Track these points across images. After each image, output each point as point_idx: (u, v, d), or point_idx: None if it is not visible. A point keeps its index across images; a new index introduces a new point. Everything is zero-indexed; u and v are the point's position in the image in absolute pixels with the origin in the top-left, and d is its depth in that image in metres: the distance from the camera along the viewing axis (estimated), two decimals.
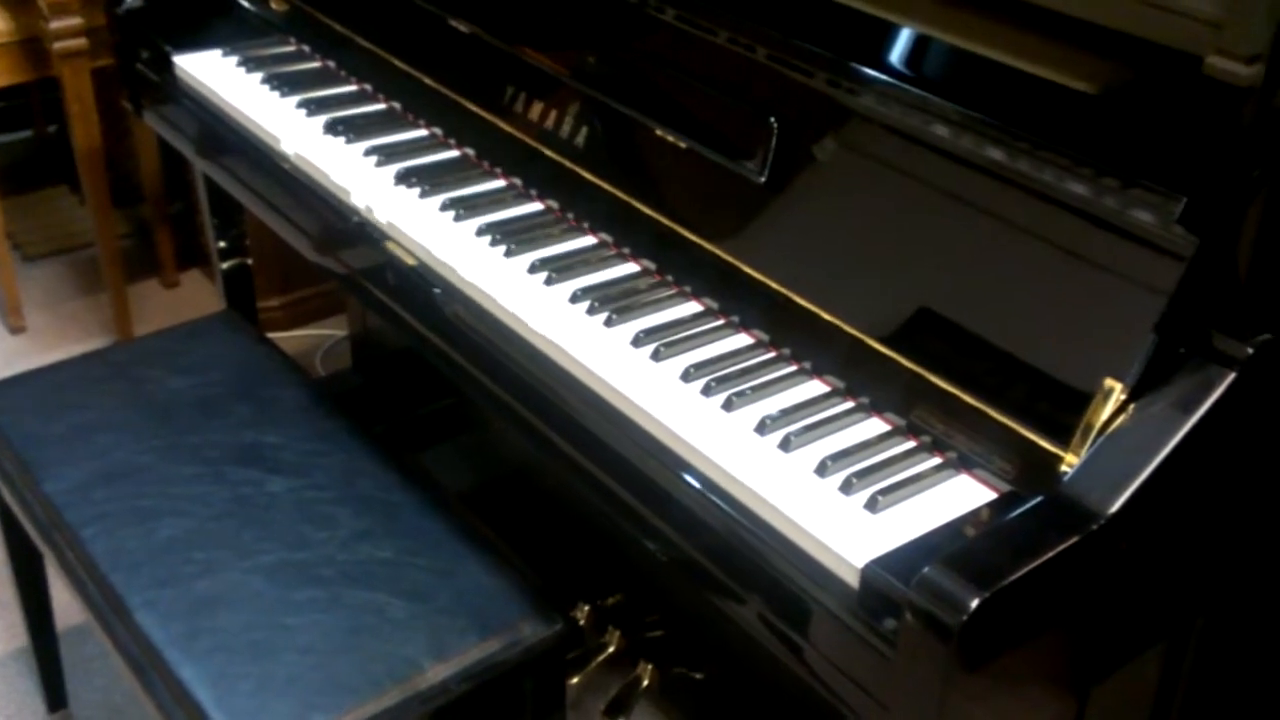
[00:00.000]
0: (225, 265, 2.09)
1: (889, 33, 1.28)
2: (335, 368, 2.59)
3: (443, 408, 2.15)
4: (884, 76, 1.21)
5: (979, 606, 0.88)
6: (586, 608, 1.79)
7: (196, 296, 2.83)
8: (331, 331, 2.70)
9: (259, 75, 1.76)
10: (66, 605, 1.78)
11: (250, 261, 2.12)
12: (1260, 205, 1.01)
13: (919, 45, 1.27)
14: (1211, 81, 1.01)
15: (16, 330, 2.71)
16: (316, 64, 1.81)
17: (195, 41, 1.84)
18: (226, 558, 1.40)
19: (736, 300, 1.28)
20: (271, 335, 1.96)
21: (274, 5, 1.89)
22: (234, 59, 1.81)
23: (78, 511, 1.46)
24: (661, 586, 1.76)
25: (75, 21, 2.33)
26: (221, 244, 2.08)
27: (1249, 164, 1.01)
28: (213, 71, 1.78)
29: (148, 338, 1.84)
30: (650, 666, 1.75)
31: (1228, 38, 1.00)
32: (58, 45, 2.34)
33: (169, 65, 1.82)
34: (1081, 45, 1.16)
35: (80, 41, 2.35)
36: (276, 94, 1.72)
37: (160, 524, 1.44)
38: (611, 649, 1.77)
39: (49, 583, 1.76)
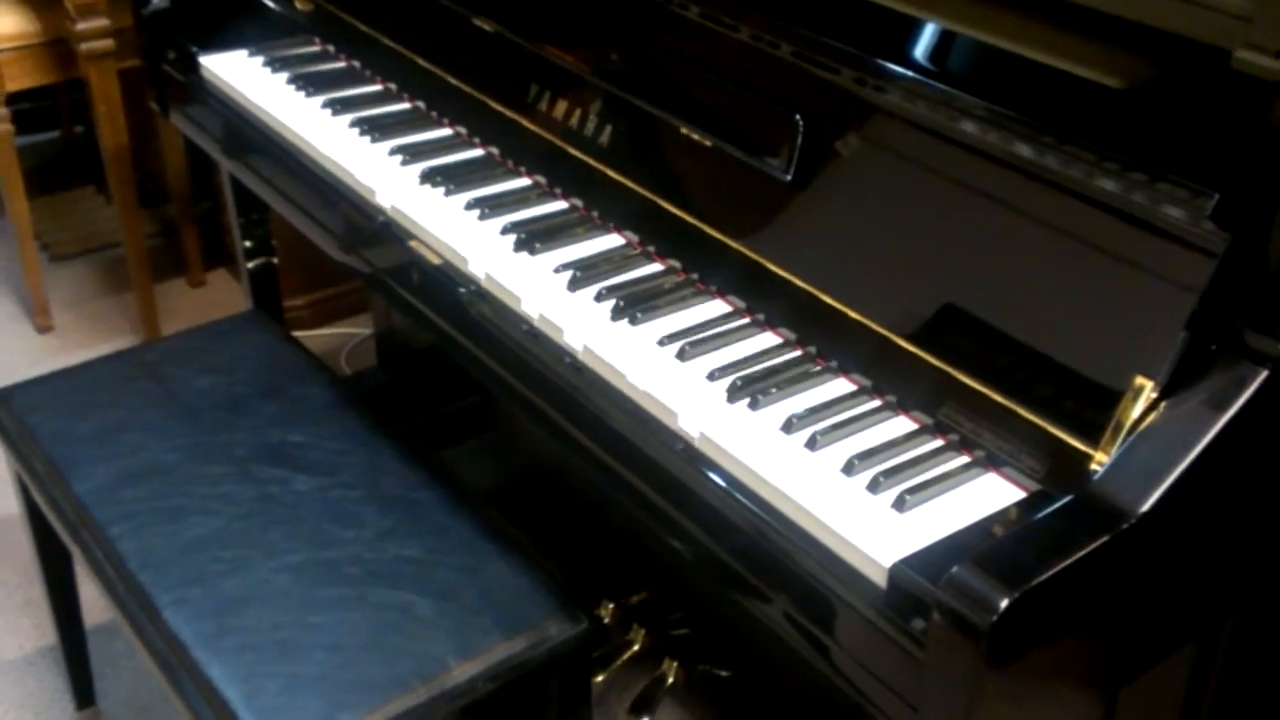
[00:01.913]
0: (251, 264, 2.10)
1: (914, 29, 1.27)
2: (360, 366, 2.60)
3: (467, 406, 2.16)
4: (910, 73, 1.20)
5: (1009, 606, 0.87)
6: (611, 606, 1.79)
7: (222, 296, 2.84)
8: (356, 330, 2.71)
9: (284, 75, 1.77)
10: (93, 603, 1.79)
11: (276, 260, 2.13)
12: None
13: (945, 41, 1.26)
14: (1241, 76, 1.00)
15: (44, 330, 2.73)
16: (341, 64, 1.82)
17: (221, 42, 1.85)
18: (254, 556, 1.41)
19: (762, 299, 1.27)
20: (297, 334, 1.97)
21: (299, 5, 1.90)
22: (260, 59, 1.82)
23: (106, 510, 1.47)
24: (686, 584, 1.76)
25: (102, 23, 2.35)
26: (247, 243, 2.09)
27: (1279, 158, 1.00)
28: (239, 72, 1.79)
29: (175, 337, 1.85)
30: (675, 664, 1.75)
31: (1257, 32, 0.99)
32: (84, 46, 2.36)
33: (195, 66, 1.83)
34: (1108, 40, 1.15)
35: (107, 43, 2.37)
36: (302, 94, 1.72)
37: (188, 523, 1.45)
38: (636, 647, 1.77)
39: (77, 581, 1.78)
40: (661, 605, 1.80)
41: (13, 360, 2.60)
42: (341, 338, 2.70)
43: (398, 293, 1.51)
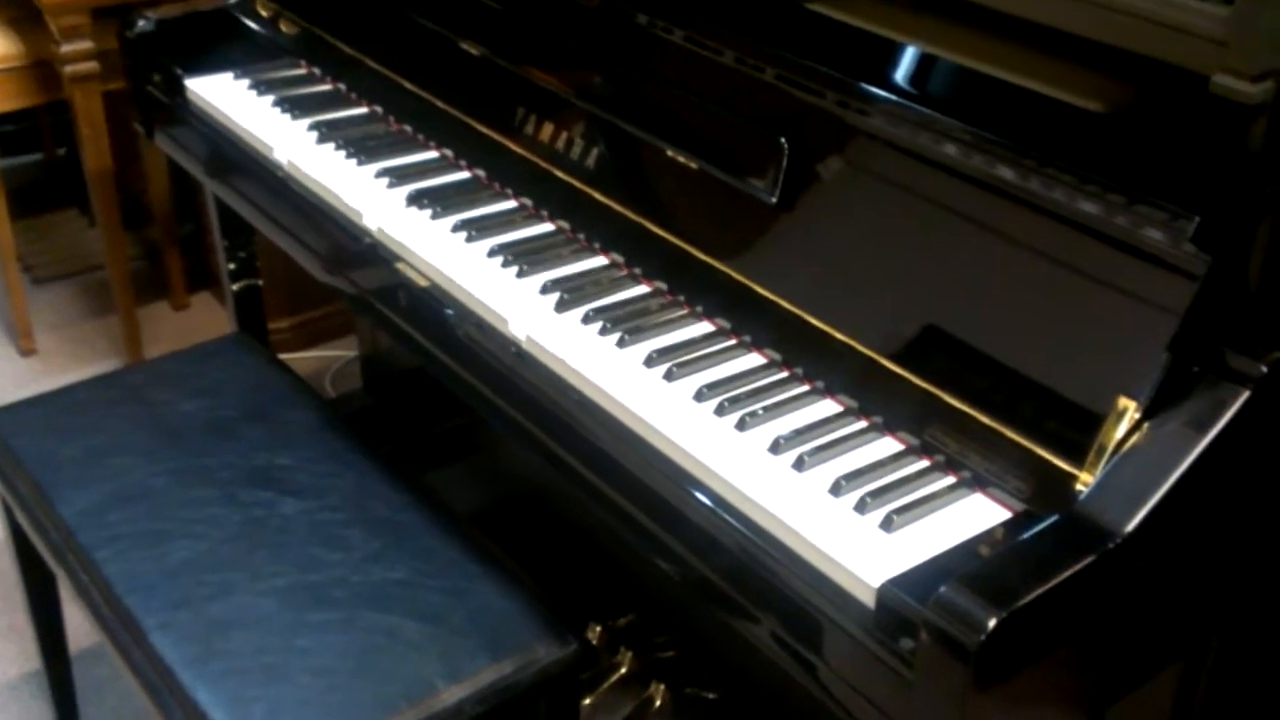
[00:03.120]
0: (236, 286, 2.10)
1: (898, 53, 1.29)
2: (344, 389, 2.60)
3: (451, 428, 2.16)
4: (893, 96, 1.21)
5: (997, 626, 0.88)
6: (598, 628, 1.79)
7: (206, 319, 2.84)
8: (341, 352, 2.70)
9: (270, 98, 1.77)
10: (77, 628, 1.78)
11: (261, 283, 2.13)
12: (1271, 223, 1.01)
13: (928, 65, 1.28)
14: (1218, 100, 1.01)
15: (27, 352, 2.72)
16: (327, 86, 1.82)
17: (207, 64, 1.85)
18: (240, 580, 1.40)
19: (748, 320, 1.28)
20: (281, 356, 1.97)
21: (284, 28, 1.90)
22: (245, 81, 1.82)
23: (92, 534, 1.46)
24: (673, 606, 1.76)
25: (86, 45, 2.35)
26: (232, 266, 2.08)
27: (1259, 182, 1.01)
28: (224, 94, 1.79)
29: (161, 360, 1.85)
30: (662, 687, 1.75)
31: (1233, 56, 1.01)
32: (69, 69, 2.36)
33: (181, 88, 1.83)
34: (1090, 64, 1.16)
35: (92, 65, 2.37)
36: (288, 116, 1.73)
37: (174, 546, 1.44)
38: (624, 670, 1.77)
39: (62, 606, 1.77)
40: (648, 628, 1.80)
41: None
42: (326, 360, 2.70)
43: (384, 314, 1.51)
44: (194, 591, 1.39)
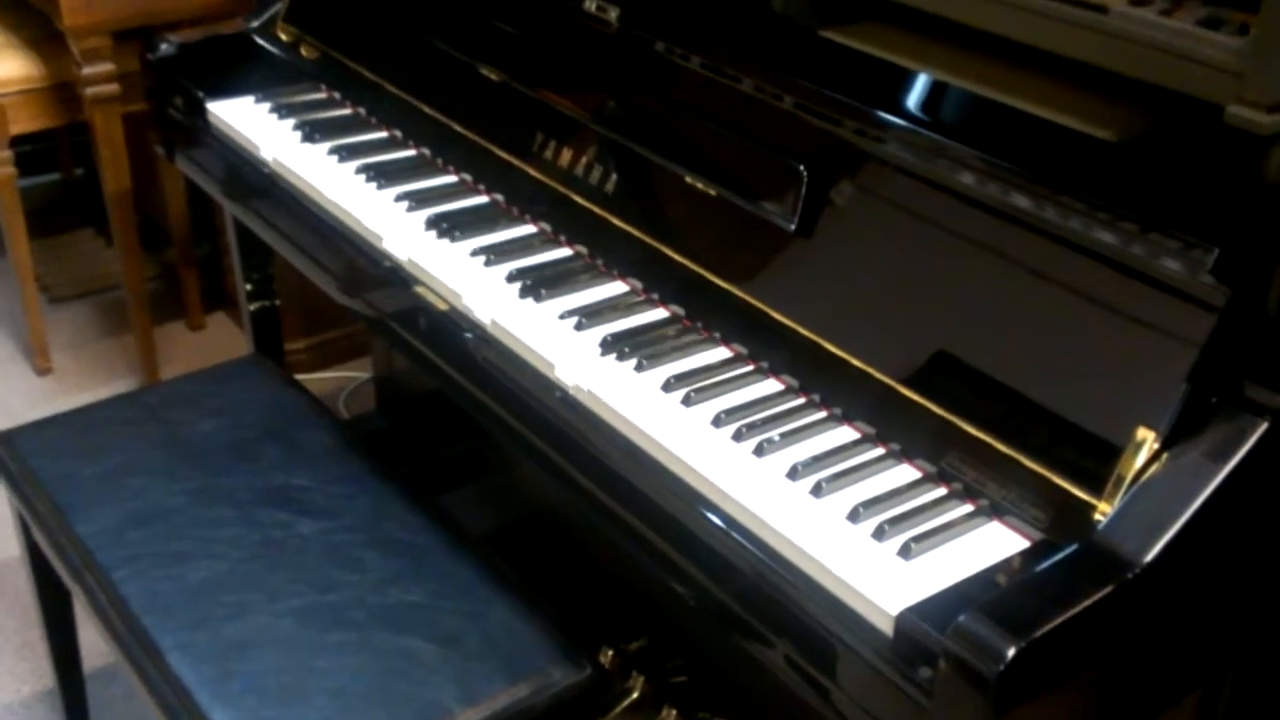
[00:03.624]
0: (253, 307, 2.11)
1: (915, 81, 1.30)
2: (358, 410, 2.61)
3: (465, 450, 2.16)
4: (911, 125, 1.22)
5: (1015, 655, 0.88)
6: (610, 652, 1.79)
7: (221, 339, 2.85)
8: (355, 374, 2.72)
9: (291, 121, 1.79)
10: (91, 647, 1.79)
11: (278, 304, 2.14)
12: None
13: (945, 94, 1.29)
14: (1234, 130, 1.02)
15: (43, 372, 2.74)
16: (348, 110, 1.84)
17: (228, 88, 1.87)
18: (257, 600, 1.41)
19: (766, 346, 1.29)
20: (296, 377, 1.98)
21: (305, 53, 1.92)
22: (266, 105, 1.83)
23: (110, 554, 1.47)
24: (686, 630, 1.76)
25: (108, 68, 2.37)
26: (249, 287, 2.10)
27: (1276, 212, 1.02)
28: (246, 118, 1.81)
29: (179, 380, 1.86)
30: (675, 712, 1.75)
31: (1248, 87, 1.01)
32: (90, 91, 2.38)
33: (202, 111, 1.85)
34: (1105, 94, 1.17)
35: (113, 87, 2.39)
36: (309, 140, 1.74)
37: (192, 566, 1.45)
38: (636, 694, 1.77)
39: (76, 624, 1.77)
40: (661, 652, 1.80)
41: (11, 402, 2.61)
42: (340, 381, 2.71)
43: (402, 337, 1.52)
44: (211, 612, 1.39)
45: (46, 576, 1.67)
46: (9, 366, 2.76)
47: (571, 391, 1.28)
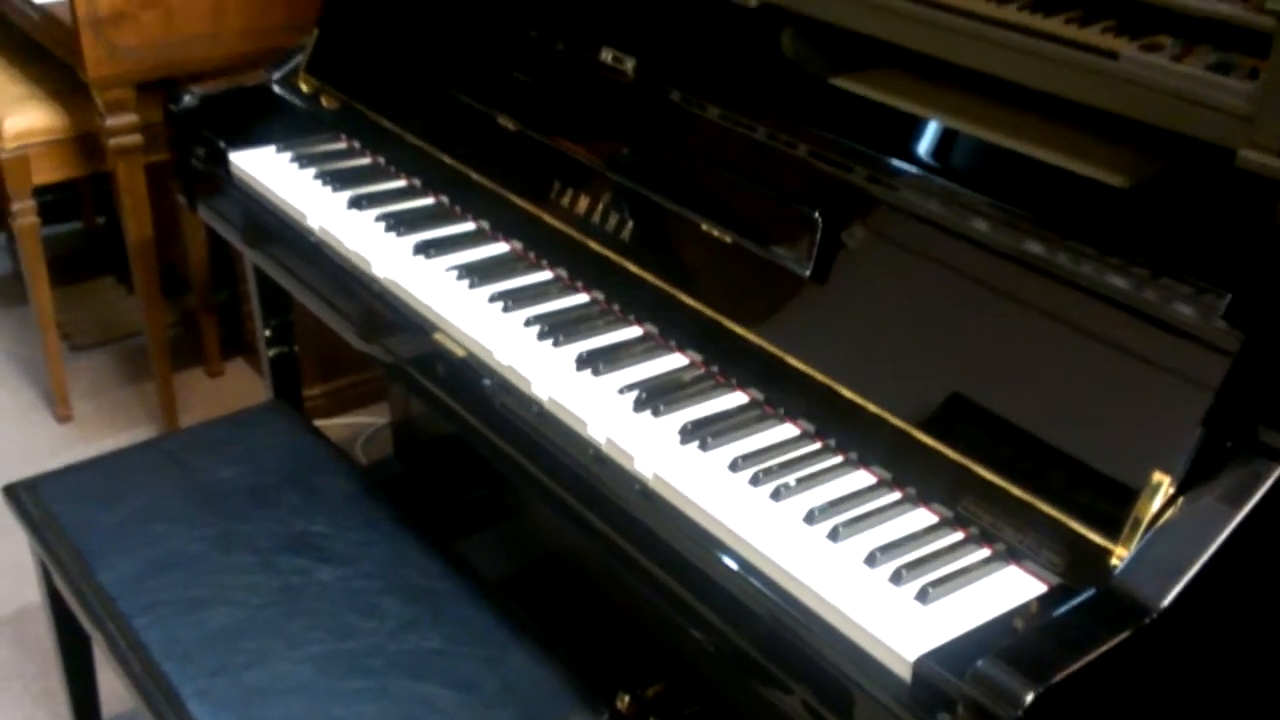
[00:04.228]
0: (272, 353, 2.13)
1: (927, 129, 1.31)
2: (375, 455, 2.62)
3: (481, 496, 2.17)
4: (923, 171, 1.23)
5: (1034, 701, 0.88)
6: (627, 698, 1.79)
7: (240, 386, 2.87)
8: (371, 420, 2.73)
9: (311, 171, 1.81)
10: (110, 694, 1.79)
11: (297, 349, 2.16)
12: None
13: (957, 141, 1.30)
14: (1245, 174, 1.03)
15: (64, 419, 2.76)
16: (367, 160, 1.86)
17: (249, 138, 1.90)
18: (277, 647, 1.41)
19: (782, 391, 1.29)
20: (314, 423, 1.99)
21: (325, 103, 1.95)
22: (287, 155, 1.86)
23: (131, 601, 1.48)
24: (703, 676, 1.75)
25: (131, 119, 2.40)
26: (269, 333, 2.12)
27: None
28: (267, 167, 1.83)
29: (199, 427, 1.87)
30: None
31: (1259, 131, 1.02)
32: (113, 142, 2.41)
33: (224, 161, 1.88)
34: (1116, 139, 1.18)
35: (136, 138, 2.42)
36: (329, 189, 1.76)
37: (212, 613, 1.46)
38: None
39: (96, 670, 1.78)
40: (678, 698, 1.79)
41: (33, 449, 2.63)
42: (357, 427, 2.72)
43: (420, 383, 1.53)
44: (231, 659, 1.40)
45: (67, 623, 1.68)
46: (30, 414, 2.78)
47: (589, 437, 1.29)
